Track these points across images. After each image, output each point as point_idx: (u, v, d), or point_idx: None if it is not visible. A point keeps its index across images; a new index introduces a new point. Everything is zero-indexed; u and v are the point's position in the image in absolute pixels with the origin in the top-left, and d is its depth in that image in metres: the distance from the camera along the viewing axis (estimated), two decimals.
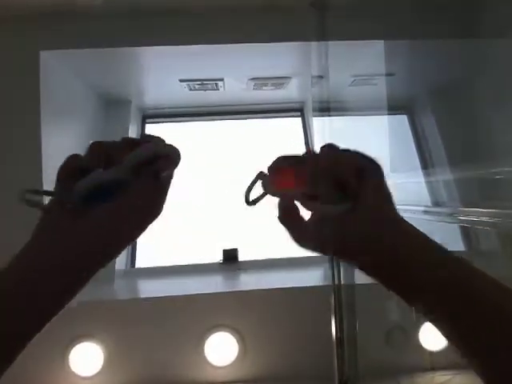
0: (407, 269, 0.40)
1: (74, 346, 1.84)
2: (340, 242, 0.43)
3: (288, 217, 0.46)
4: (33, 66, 1.81)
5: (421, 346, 1.89)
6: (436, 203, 2.44)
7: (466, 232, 2.33)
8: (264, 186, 0.46)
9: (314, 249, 0.45)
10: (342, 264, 1.76)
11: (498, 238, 2.07)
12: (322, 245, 0.45)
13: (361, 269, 0.43)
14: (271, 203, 0.47)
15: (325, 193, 0.43)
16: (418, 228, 0.42)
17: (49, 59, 1.85)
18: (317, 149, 0.45)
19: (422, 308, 0.40)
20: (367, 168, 0.43)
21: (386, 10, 1.86)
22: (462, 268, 0.39)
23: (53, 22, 1.85)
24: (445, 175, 2.45)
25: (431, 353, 1.87)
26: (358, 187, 0.42)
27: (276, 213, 0.47)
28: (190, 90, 2.47)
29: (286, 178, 0.45)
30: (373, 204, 0.42)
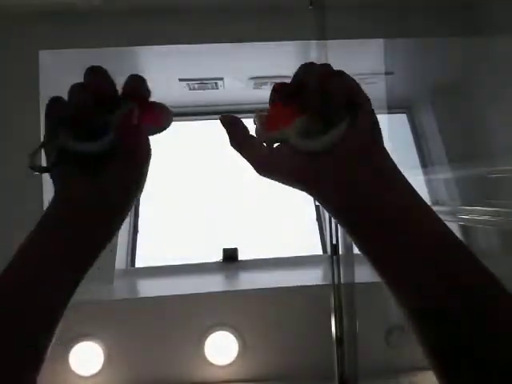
0: (381, 228, 0.35)
1: (74, 345, 1.84)
2: (313, 178, 0.38)
3: (244, 141, 0.42)
4: (32, 65, 1.81)
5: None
6: (436, 202, 2.45)
7: (466, 231, 2.33)
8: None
9: (282, 179, 0.41)
10: (341, 263, 1.77)
11: (498, 236, 2.07)
12: (293, 176, 0.40)
13: (329, 210, 0.40)
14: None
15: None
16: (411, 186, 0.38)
17: (48, 59, 1.85)
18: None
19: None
20: (358, 100, 0.38)
21: (386, 9, 1.86)
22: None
23: (52, 21, 1.85)
24: (445, 174, 2.45)
25: None
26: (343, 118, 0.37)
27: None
28: (190, 89, 2.46)
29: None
30: (359, 143, 0.37)
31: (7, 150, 1.83)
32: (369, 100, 0.39)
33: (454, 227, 2.32)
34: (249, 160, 0.41)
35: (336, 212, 0.39)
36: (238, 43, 1.93)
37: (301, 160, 0.38)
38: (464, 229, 2.33)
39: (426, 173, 2.65)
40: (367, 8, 1.86)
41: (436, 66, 2.19)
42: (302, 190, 0.40)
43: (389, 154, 0.38)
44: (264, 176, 0.41)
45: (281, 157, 0.39)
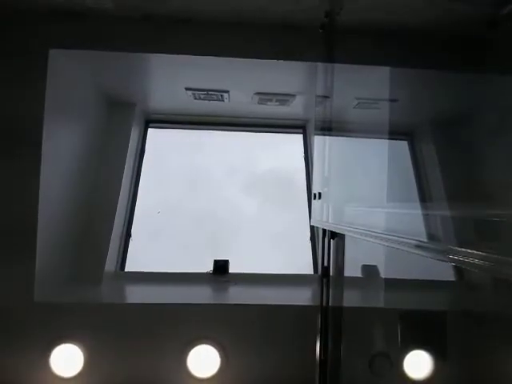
0: None
1: (55, 347, 1.81)
2: None
3: None
4: (41, 63, 1.82)
5: (405, 373, 1.87)
6: (431, 237, 2.44)
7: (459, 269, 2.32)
8: None
9: None
10: (331, 286, 1.76)
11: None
12: None
13: None
14: None
15: None
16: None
17: (58, 58, 1.86)
18: None
19: None
20: None
21: (394, 38, 1.89)
22: None
23: (65, 21, 1.87)
24: (442, 210, 2.46)
25: (414, 381, 1.85)
26: None
27: None
28: (195, 98, 2.48)
29: None
30: None
31: (10, 146, 1.84)
32: None
33: (445, 266, 2.31)
34: None
35: None
36: (247, 58, 1.95)
37: None
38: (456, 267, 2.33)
39: (423, 207, 2.65)
40: (376, 36, 1.89)
41: (439, 97, 2.21)
42: None
43: None
44: None
45: None
